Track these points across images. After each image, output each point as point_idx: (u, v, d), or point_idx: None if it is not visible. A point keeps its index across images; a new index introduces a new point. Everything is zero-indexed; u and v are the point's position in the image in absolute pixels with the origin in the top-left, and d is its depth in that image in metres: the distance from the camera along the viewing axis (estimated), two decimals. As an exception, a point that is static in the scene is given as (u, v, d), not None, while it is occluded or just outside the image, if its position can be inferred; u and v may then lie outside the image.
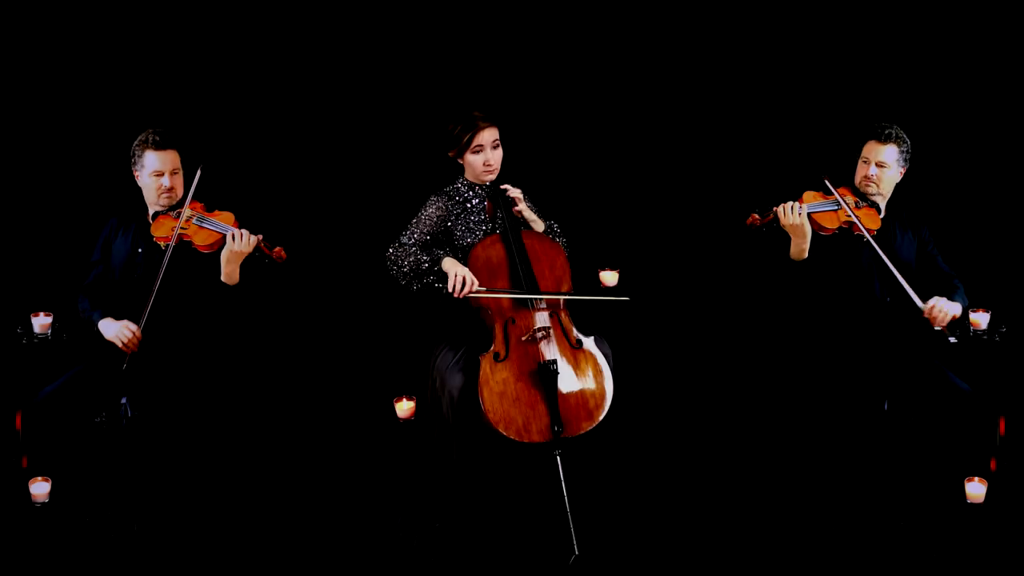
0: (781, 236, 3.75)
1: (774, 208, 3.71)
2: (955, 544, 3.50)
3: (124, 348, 3.54)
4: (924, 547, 3.50)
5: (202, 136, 4.33)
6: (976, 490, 3.51)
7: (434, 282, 3.63)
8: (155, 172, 3.67)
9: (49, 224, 4.48)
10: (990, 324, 3.68)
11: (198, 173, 3.65)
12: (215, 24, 4.53)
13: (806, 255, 3.73)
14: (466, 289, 3.55)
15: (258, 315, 4.33)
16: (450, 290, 3.55)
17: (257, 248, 3.60)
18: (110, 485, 3.56)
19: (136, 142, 3.70)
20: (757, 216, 3.73)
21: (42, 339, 3.61)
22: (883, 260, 3.66)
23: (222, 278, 3.61)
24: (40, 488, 3.46)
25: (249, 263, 3.64)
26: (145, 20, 4.49)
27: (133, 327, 3.55)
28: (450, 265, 3.59)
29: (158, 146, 3.67)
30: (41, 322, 3.61)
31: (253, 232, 3.60)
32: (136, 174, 3.72)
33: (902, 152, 3.80)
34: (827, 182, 3.77)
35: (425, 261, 3.62)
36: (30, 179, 4.49)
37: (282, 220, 4.52)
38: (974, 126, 4.54)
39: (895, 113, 4.17)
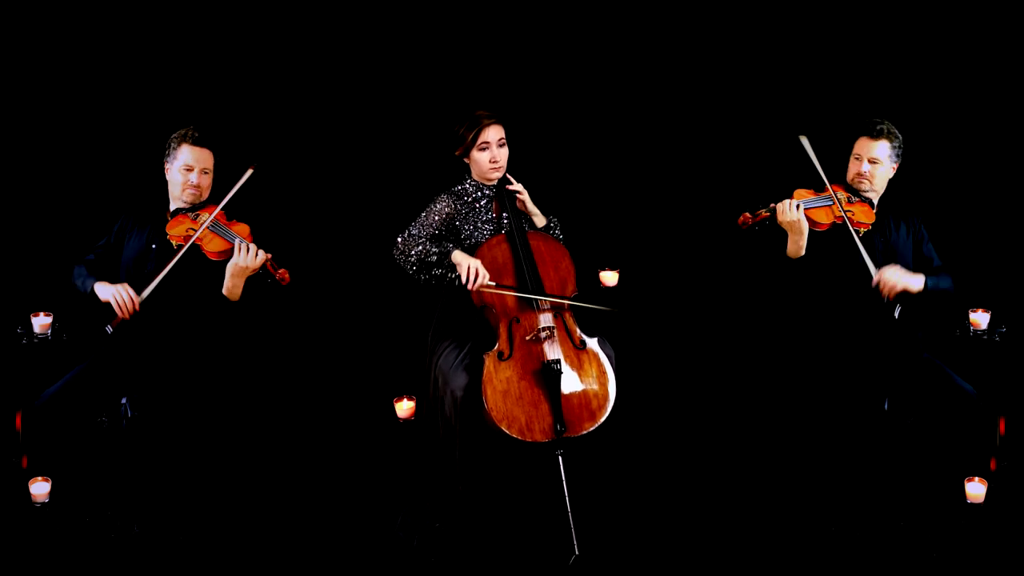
0: (774, 234, 3.74)
1: (772, 205, 3.70)
2: (955, 544, 3.50)
3: (119, 309, 3.52)
4: (924, 547, 3.50)
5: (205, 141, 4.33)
6: (976, 490, 3.51)
7: (443, 275, 3.60)
8: (186, 167, 3.68)
9: (49, 224, 4.48)
10: (990, 324, 3.68)
11: (248, 172, 3.64)
12: (216, 29, 4.53)
13: (803, 252, 3.72)
14: (479, 281, 3.54)
15: (259, 315, 4.33)
16: (464, 282, 3.54)
17: (263, 266, 3.59)
18: (110, 485, 3.56)
19: (174, 135, 3.71)
20: (748, 215, 3.70)
21: (42, 339, 3.61)
22: (862, 252, 3.65)
23: (223, 291, 3.60)
24: (40, 488, 3.46)
25: (253, 282, 3.62)
26: (147, 21, 4.49)
27: (132, 291, 3.53)
28: (461, 257, 3.57)
29: (195, 142, 3.69)
30: (41, 322, 3.61)
31: (264, 251, 3.58)
32: (167, 167, 3.72)
33: (894, 148, 3.78)
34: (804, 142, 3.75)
35: (433, 252, 3.60)
36: (31, 179, 4.49)
37: (283, 218, 4.53)
38: (973, 124, 4.54)
39: (892, 110, 4.17)
